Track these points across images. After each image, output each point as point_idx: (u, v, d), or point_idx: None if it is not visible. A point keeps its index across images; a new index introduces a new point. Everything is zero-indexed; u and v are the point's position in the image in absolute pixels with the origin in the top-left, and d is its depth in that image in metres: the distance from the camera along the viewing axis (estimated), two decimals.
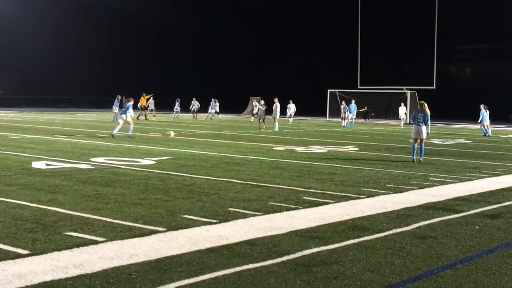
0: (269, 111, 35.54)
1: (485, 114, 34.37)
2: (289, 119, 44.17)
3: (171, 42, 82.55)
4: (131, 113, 25.04)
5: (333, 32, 69.13)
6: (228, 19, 78.54)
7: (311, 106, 57.58)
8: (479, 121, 35.03)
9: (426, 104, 17.50)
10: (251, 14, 77.94)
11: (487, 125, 34.31)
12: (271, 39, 75.78)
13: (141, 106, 44.70)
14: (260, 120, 34.35)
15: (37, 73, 77.96)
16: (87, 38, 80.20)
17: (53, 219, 8.09)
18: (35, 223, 7.81)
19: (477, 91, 63.32)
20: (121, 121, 25.19)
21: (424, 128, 17.09)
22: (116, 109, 39.92)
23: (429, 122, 17.35)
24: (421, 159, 17.03)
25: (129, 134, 24.54)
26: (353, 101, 44.19)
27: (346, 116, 42.53)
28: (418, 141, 17.19)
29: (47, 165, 14.10)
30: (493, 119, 53.79)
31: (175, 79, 78.76)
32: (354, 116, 43.62)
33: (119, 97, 40.62)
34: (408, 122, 49.02)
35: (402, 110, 45.96)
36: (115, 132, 24.25)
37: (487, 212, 9.59)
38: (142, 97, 45.04)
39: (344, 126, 41.16)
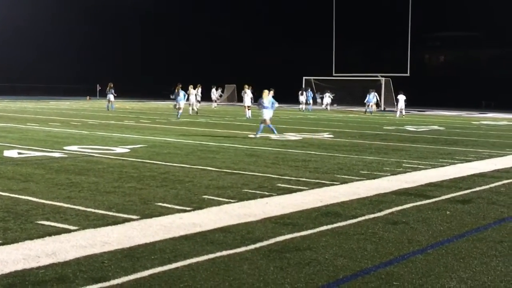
0: (240, 99, 35.94)
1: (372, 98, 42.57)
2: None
3: (148, 29, 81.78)
4: (182, 99, 30.77)
5: (308, 20, 69.10)
6: (203, 6, 77.97)
7: (286, 94, 57.61)
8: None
9: (267, 92, 20.72)
10: (225, 1, 77.54)
11: (371, 105, 42.67)
12: (244, 27, 75.52)
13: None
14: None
15: (9, 61, 76.78)
16: (61, 25, 79.16)
17: (25, 208, 8.01)
18: (6, 212, 7.73)
19: (450, 78, 63.93)
20: (181, 106, 30.68)
21: (267, 111, 20.50)
22: (111, 97, 40.13)
23: (275, 104, 20.72)
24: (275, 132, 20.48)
25: (178, 117, 29.99)
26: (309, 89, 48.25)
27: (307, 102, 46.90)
28: (268, 121, 20.44)
29: (19, 153, 13.95)
30: (467, 106, 54.55)
31: (153, 67, 78.19)
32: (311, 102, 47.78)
33: (111, 85, 40.67)
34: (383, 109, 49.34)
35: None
36: (179, 116, 30.00)
37: (458, 197, 9.72)
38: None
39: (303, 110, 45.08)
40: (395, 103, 43.56)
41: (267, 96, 20.61)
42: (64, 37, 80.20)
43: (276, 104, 20.94)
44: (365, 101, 44.43)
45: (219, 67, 70.69)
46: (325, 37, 57.03)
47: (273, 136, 20.19)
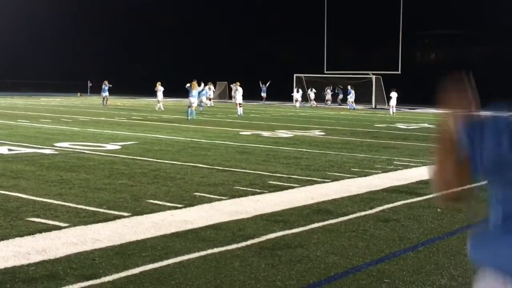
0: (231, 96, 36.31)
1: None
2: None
3: (136, 25, 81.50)
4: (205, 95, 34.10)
5: (300, 17, 69.11)
6: (193, 1, 77.77)
7: (277, 91, 57.60)
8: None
9: (195, 83, 28.45)
10: None
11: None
12: (235, 23, 75.40)
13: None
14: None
15: None
16: (51, 21, 78.73)
17: (15, 204, 7.97)
18: None
19: (441, 76, 64.08)
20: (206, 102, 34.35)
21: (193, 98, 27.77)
22: (104, 94, 40.59)
23: (202, 93, 29.20)
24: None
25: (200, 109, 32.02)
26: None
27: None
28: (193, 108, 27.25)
29: (10, 150, 13.88)
30: None
31: (141, 63, 77.94)
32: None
33: (106, 82, 41.15)
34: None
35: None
36: (200, 110, 32.14)
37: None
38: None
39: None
40: (386, 101, 43.84)
41: (196, 87, 28.49)
42: (54, 33, 79.78)
43: (203, 93, 30.38)
44: (347, 98, 46.32)
45: (208, 64, 70.60)
46: (316, 34, 57.04)
47: (264, 134, 20.18)
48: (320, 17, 55.41)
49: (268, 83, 53.60)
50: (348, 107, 45.09)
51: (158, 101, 37.30)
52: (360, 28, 63.76)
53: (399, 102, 41.51)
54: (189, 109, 27.92)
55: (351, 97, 45.73)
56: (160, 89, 37.77)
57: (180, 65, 72.09)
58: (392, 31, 52.85)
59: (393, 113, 38.83)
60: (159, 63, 76.18)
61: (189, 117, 27.24)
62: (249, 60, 70.56)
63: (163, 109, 35.95)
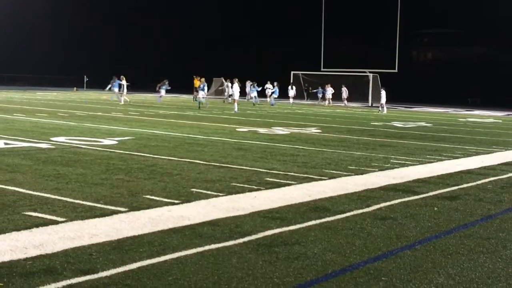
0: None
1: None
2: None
3: (135, 21, 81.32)
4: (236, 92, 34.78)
5: (297, 14, 69.06)
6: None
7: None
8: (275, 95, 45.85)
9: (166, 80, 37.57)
10: None
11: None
12: (234, 20, 75.31)
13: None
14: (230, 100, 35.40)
15: None
16: (48, 15, 78.48)
17: (11, 198, 7.95)
18: None
19: (437, 75, 64.20)
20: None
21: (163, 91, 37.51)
22: (116, 89, 40.33)
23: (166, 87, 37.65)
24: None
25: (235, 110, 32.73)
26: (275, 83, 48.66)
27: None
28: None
29: (6, 144, 13.84)
30: (453, 103, 54.84)
31: (140, 58, 77.80)
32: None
33: (120, 78, 40.53)
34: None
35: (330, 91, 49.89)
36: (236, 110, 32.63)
37: (445, 194, 9.77)
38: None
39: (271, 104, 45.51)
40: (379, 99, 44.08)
41: (166, 84, 39.93)
42: (50, 27, 79.54)
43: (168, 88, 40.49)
44: (328, 95, 49.01)
45: (204, 60, 70.51)
46: (313, 32, 57.02)
47: (260, 130, 20.16)
48: (318, 14, 55.38)
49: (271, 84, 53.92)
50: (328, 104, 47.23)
51: (122, 94, 38.54)
52: (357, 26, 63.73)
53: (396, 100, 41.64)
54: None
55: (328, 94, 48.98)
56: (125, 83, 38.72)
57: (180, 62, 71.98)
58: (390, 29, 52.88)
59: (383, 111, 38.95)
60: (158, 59, 76.02)
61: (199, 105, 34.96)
62: (247, 58, 70.46)
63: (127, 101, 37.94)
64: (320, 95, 52.12)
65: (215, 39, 76.90)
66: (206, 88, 37.89)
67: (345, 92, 49.32)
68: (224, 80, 39.17)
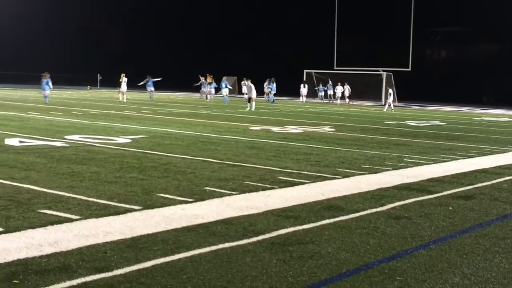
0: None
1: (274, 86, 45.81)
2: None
3: (143, 21, 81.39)
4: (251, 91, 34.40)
5: (311, 13, 68.91)
6: None
7: (287, 87, 57.54)
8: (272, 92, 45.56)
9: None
10: None
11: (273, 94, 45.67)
12: (246, 17, 75.21)
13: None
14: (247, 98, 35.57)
15: (10, 49, 76.57)
16: (62, 14, 78.88)
17: (27, 196, 8.00)
18: (8, 200, 7.71)
19: (451, 74, 63.81)
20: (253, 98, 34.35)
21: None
22: (151, 88, 42.89)
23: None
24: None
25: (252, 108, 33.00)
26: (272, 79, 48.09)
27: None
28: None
29: (21, 142, 13.93)
30: (468, 101, 54.48)
31: (146, 57, 77.89)
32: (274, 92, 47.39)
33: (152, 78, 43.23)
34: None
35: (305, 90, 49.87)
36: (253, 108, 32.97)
37: (460, 193, 9.71)
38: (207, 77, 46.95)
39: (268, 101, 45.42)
40: (396, 98, 43.85)
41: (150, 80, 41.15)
42: (63, 26, 79.94)
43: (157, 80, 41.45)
44: (330, 92, 50.18)
45: (216, 58, 70.57)
46: (326, 30, 56.88)
47: (274, 129, 20.15)
48: (331, 13, 55.26)
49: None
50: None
51: (121, 93, 39.37)
52: (370, 24, 63.50)
53: (410, 99, 41.49)
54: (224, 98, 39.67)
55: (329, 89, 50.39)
56: (124, 80, 39.50)
57: (191, 60, 72.07)
58: (403, 28, 52.64)
59: (390, 109, 38.91)
60: (168, 58, 76.12)
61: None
62: (253, 58, 70.40)
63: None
64: (321, 94, 52.09)
65: (226, 37, 76.86)
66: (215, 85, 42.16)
67: (347, 90, 49.66)
68: (245, 79, 39.44)
